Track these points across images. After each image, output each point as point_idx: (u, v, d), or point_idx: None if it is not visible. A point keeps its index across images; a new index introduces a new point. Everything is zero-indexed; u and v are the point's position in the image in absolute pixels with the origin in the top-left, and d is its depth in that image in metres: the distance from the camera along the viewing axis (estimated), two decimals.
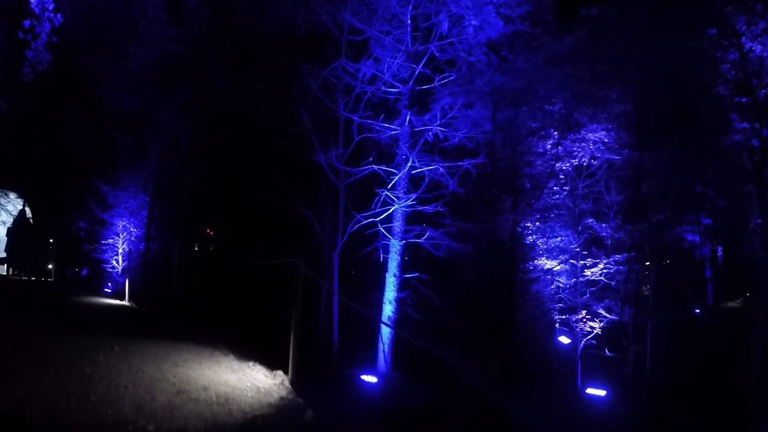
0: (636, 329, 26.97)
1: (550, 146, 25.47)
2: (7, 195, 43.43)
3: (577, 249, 25.99)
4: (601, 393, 21.59)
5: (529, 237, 27.08)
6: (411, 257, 18.68)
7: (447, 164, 17.25)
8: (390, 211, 17.34)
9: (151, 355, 12.94)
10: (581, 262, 26.02)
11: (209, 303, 27.25)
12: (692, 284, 42.42)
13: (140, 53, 23.15)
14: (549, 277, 27.48)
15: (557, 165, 25.45)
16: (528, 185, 26.56)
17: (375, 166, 17.68)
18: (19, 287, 28.85)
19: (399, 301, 17.37)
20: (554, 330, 28.08)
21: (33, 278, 34.02)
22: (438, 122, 17.36)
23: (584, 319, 25.03)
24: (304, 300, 13.45)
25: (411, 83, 17.90)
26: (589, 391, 21.80)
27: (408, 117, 17.10)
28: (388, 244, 17.50)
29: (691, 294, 41.52)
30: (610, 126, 25.07)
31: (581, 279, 25.95)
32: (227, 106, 26.33)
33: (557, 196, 26.43)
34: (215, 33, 23.22)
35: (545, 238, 27.47)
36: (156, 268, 29.84)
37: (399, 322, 17.22)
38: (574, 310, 25.67)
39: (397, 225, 17.23)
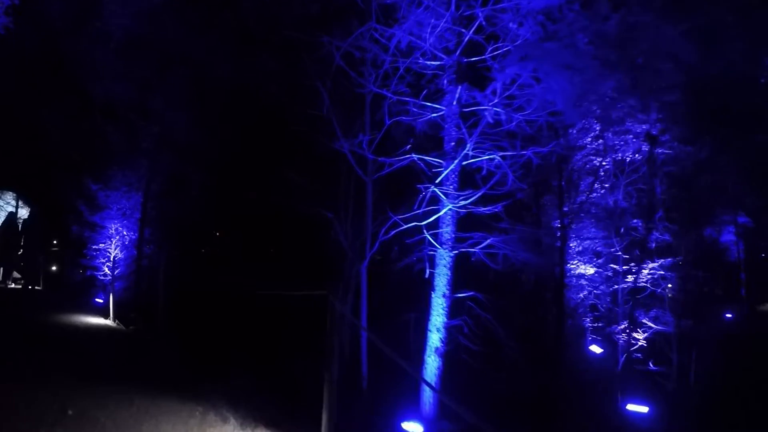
0: (679, 339, 22.71)
1: (590, 139, 21.68)
2: (4, 194, 40.92)
3: (619, 252, 22.11)
4: (643, 409, 18.70)
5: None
6: (458, 271, 13.54)
7: (510, 153, 12.36)
8: (442, 213, 12.47)
9: (115, 427, 8.00)
10: (624, 266, 22.02)
11: (208, 321, 21.69)
12: (726, 287, 38.03)
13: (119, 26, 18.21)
14: (582, 282, 23.84)
15: (598, 160, 21.99)
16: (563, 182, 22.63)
17: (415, 156, 12.77)
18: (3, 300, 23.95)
19: (449, 329, 12.43)
20: (585, 338, 24.36)
21: (17, 286, 28.91)
22: (497, 99, 12.27)
23: (626, 330, 21.42)
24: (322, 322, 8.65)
25: (457, 53, 13.33)
26: (630, 407, 18.86)
27: (458, 94, 12.25)
28: (433, 255, 12.55)
29: (725, 297, 37.02)
30: (657, 117, 20.84)
31: (623, 285, 22.08)
32: (230, 93, 21.87)
33: (596, 194, 22.68)
34: (213, 7, 18.54)
35: (578, 240, 23.73)
36: (150, 275, 24.98)
37: (450, 355, 12.36)
38: (611, 319, 22.49)
39: (447, 231, 12.66)
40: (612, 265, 22.22)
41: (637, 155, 21.65)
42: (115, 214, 25.23)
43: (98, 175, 25.41)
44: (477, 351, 13.40)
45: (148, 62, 23.29)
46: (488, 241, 12.94)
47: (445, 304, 12.83)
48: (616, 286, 22.27)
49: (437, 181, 12.80)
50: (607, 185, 22.25)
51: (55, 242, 34.79)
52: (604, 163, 21.98)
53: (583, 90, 13.08)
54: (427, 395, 12.82)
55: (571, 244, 23.33)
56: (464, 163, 13.02)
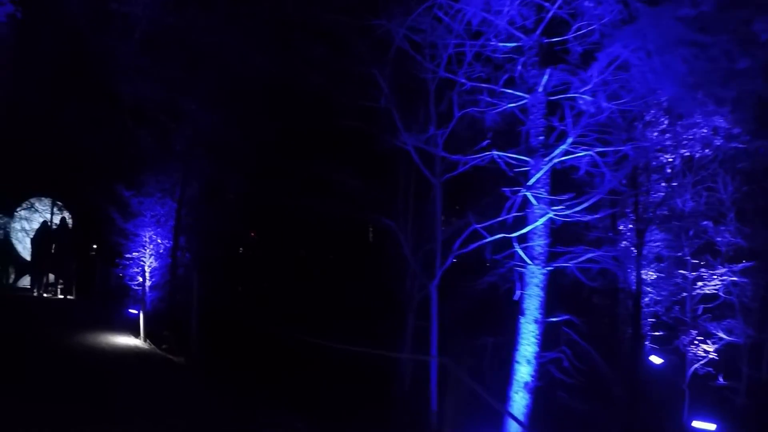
0: (750, 350, 20.36)
1: (656, 134, 18.67)
2: (41, 200, 39.19)
3: (687, 257, 19.68)
4: (711, 427, 16.76)
5: None
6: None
7: (610, 149, 9.88)
8: (541, 221, 9.91)
9: None
10: (693, 272, 19.59)
11: (246, 358, 18.77)
12: None
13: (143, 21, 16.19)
14: (646, 288, 20.71)
15: (665, 157, 19.44)
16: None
17: (496, 153, 10.22)
18: (17, 311, 21.38)
19: (541, 360, 9.92)
20: (643, 348, 21.23)
21: (49, 295, 26.61)
22: (591, 85, 9.74)
23: (695, 342, 18.93)
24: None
25: (538, 32, 10.91)
26: (696, 424, 16.97)
27: (545, 79, 9.72)
28: (522, 273, 10.00)
29: None
30: (730, 108, 18.22)
31: (692, 293, 19.65)
32: (268, 88, 19.54)
33: (661, 193, 20.13)
34: None
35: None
36: (185, 285, 22.63)
37: (543, 392, 9.85)
38: (674, 327, 20.17)
39: (539, 243, 10.14)
40: (681, 271, 19.78)
41: (706, 150, 18.97)
42: (148, 221, 23.24)
43: (131, 181, 23.39)
44: (574, 384, 10.85)
45: (177, 59, 21.25)
46: (589, 254, 10.36)
47: (537, 331, 10.31)
48: (684, 294, 19.82)
49: (530, 183, 10.23)
50: (674, 184, 19.86)
51: (88, 251, 32.66)
52: (670, 160, 19.50)
53: (706, 70, 10.36)
54: None
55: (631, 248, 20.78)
56: (556, 161, 10.43)
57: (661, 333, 21.01)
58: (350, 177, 16.10)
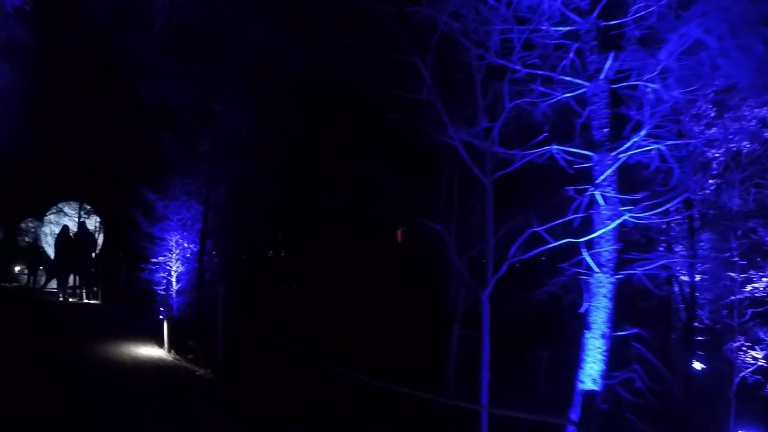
0: None
1: (702, 128, 17.00)
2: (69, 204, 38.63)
3: (735, 258, 17.87)
4: None
5: None
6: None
7: (682, 142, 8.56)
8: (614, 224, 8.57)
9: None
10: (741, 275, 17.75)
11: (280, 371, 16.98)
12: None
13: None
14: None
15: (711, 152, 17.42)
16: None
17: (557, 147, 8.94)
18: (40, 316, 20.26)
19: (607, 380, 8.59)
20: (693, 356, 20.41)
21: (75, 300, 25.58)
22: (656, 71, 8.46)
23: (743, 348, 17.55)
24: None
25: (595, 14, 9.68)
26: None
27: (607, 64, 8.45)
28: (587, 282, 8.67)
29: None
30: None
31: (739, 296, 17.81)
32: (298, 84, 18.18)
33: (708, 190, 18.25)
34: None
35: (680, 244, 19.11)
36: (212, 290, 21.48)
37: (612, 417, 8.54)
38: (716, 332, 18.64)
39: (607, 249, 8.59)
40: (729, 273, 17.89)
41: (755, 144, 17.39)
42: (175, 225, 22.15)
43: (156, 184, 22.30)
44: (644, 405, 9.47)
45: (202, 57, 20.29)
46: (663, 261, 9.02)
47: (604, 347, 8.97)
48: (732, 297, 17.99)
49: (598, 180, 8.88)
50: (719, 181, 18.08)
51: (114, 255, 31.76)
52: (717, 155, 17.67)
53: None
54: None
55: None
56: (623, 156, 9.06)
57: (704, 338, 19.48)
58: (388, 175, 14.58)
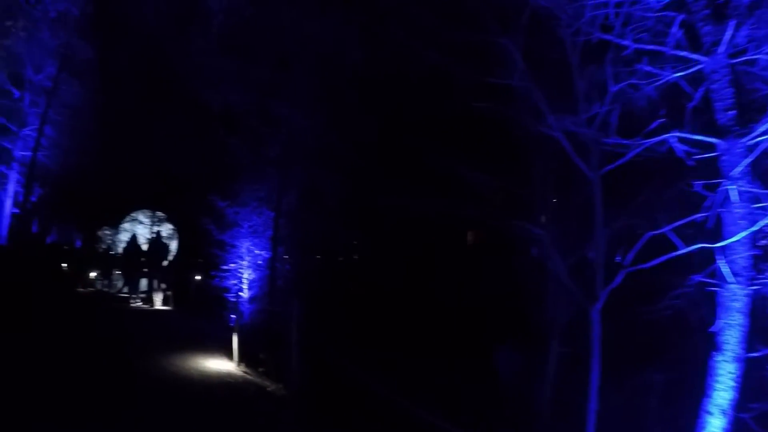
0: None
1: None
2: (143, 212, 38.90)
3: None
4: None
5: None
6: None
7: None
8: (757, 226, 7.00)
9: None
10: None
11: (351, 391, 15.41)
12: None
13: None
14: None
15: None
16: None
17: (676, 135, 7.42)
18: (110, 322, 19.64)
19: (740, 412, 7.07)
20: None
21: (147, 306, 25.05)
22: None
23: None
24: None
25: None
26: None
27: (728, 35, 6.86)
28: (720, 295, 7.13)
29: None
30: None
31: None
32: (367, 79, 16.97)
33: None
34: None
35: None
36: (285, 298, 20.51)
37: None
38: None
39: (742, 255, 6.93)
40: None
41: None
42: (245, 232, 21.31)
43: (225, 190, 21.41)
44: None
45: (264, 58, 19.41)
46: None
47: (736, 372, 7.38)
48: None
49: (734, 173, 7.33)
50: None
51: (186, 262, 31.30)
52: None
53: None
54: None
55: None
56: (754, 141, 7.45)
57: None
58: (474, 173, 12.80)
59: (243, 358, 15.06)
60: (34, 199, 29.09)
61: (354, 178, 21.05)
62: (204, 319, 21.80)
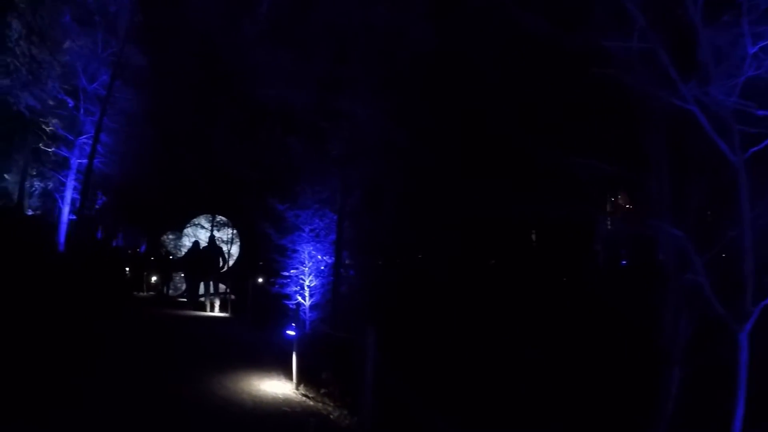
0: None
1: None
2: (207, 218, 37.99)
3: None
4: None
5: None
6: None
7: None
8: None
9: None
10: None
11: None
12: None
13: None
14: None
15: None
16: None
17: None
18: (162, 330, 17.89)
19: None
20: None
21: (207, 313, 23.37)
22: None
23: None
24: None
25: None
26: None
27: None
28: None
29: None
30: None
31: None
32: (435, 65, 14.85)
33: None
34: None
35: None
36: (353, 306, 18.53)
37: None
38: None
39: None
40: None
41: None
42: (307, 236, 19.46)
43: (284, 193, 19.65)
44: None
45: (323, 50, 17.51)
46: None
47: None
48: None
49: None
50: None
51: (246, 267, 29.88)
52: None
53: None
54: None
55: None
56: None
57: None
58: (572, 161, 10.33)
59: (302, 378, 12.95)
60: (98, 205, 29.10)
61: (422, 177, 18.95)
62: (262, 328, 19.88)
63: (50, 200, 25.62)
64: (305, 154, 18.58)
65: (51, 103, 23.03)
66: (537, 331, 16.30)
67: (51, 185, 24.93)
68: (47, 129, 23.52)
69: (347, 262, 19.78)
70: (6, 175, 29.56)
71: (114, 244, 42.84)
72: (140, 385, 10.43)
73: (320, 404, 11.55)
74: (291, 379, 12.82)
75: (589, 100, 10.68)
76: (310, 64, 17.04)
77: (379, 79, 17.20)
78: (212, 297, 25.28)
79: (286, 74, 17.46)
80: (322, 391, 12.57)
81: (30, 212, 26.49)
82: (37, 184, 25.85)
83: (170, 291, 32.94)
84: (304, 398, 11.83)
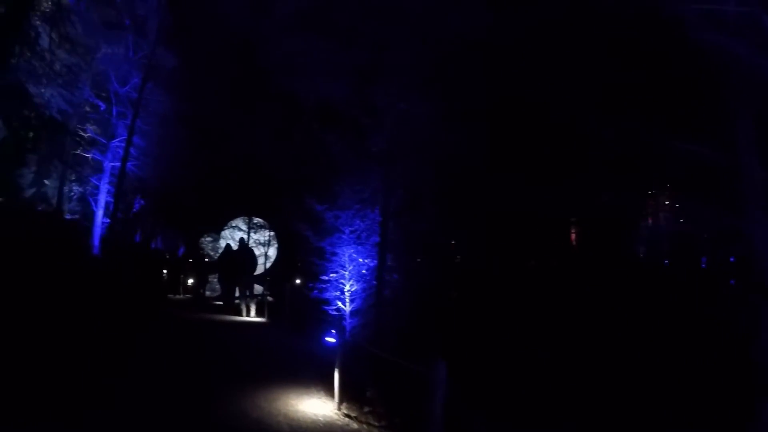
0: None
1: None
2: (244, 220, 36.87)
3: None
4: None
5: None
6: None
7: None
8: None
9: None
10: None
11: None
12: None
13: None
14: None
15: None
16: None
17: None
18: (194, 336, 16.33)
19: None
20: None
21: (238, 317, 21.84)
22: None
23: None
24: None
25: None
26: None
27: None
28: None
29: None
30: None
31: None
32: (490, 48, 13.18)
33: None
34: None
35: None
36: (397, 311, 16.92)
37: None
38: None
39: None
40: None
41: None
42: (347, 238, 17.97)
43: (323, 193, 18.13)
44: None
45: (362, 39, 15.77)
46: None
47: None
48: None
49: None
50: None
51: (283, 269, 28.52)
52: None
53: None
54: None
55: None
56: None
57: None
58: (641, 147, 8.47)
59: (345, 395, 11.28)
60: (136, 209, 28.72)
61: (469, 172, 17.25)
62: (300, 335, 18.19)
63: (87, 204, 24.83)
64: (345, 151, 16.97)
65: (83, 107, 22.36)
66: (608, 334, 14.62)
67: (89, 189, 24.12)
68: (84, 135, 22.74)
69: (390, 264, 18.06)
70: (46, 181, 29.25)
71: (153, 246, 42.23)
72: (164, 404, 8.94)
73: (365, 425, 9.91)
74: (332, 396, 11.18)
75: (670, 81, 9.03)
76: (349, 55, 15.43)
77: (424, 70, 15.57)
78: (248, 300, 23.77)
79: (323, 66, 16.00)
80: (366, 410, 10.92)
81: (68, 216, 25.86)
82: (75, 188, 25.11)
83: (207, 293, 31.87)
84: (347, 419, 10.21)
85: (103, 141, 22.86)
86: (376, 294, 17.57)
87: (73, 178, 24.98)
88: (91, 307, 14.55)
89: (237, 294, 25.10)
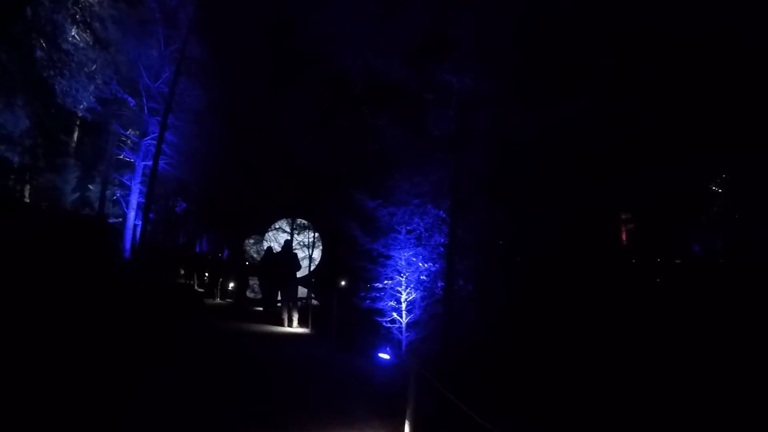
0: None
1: None
2: (288, 222, 34.03)
3: None
4: None
5: None
6: None
7: None
8: None
9: None
10: None
11: None
12: None
13: None
14: None
15: None
16: None
17: None
18: (227, 352, 12.55)
19: None
20: None
21: (279, 327, 18.44)
22: None
23: None
24: None
25: None
26: None
27: None
28: None
29: None
30: None
31: None
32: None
33: None
34: None
35: None
36: (468, 325, 13.42)
37: None
38: None
39: None
40: None
41: None
42: (404, 239, 14.58)
43: (374, 188, 14.76)
44: None
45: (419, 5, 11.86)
46: None
47: None
48: None
49: None
50: None
51: (329, 275, 25.32)
52: None
53: None
54: None
55: None
56: None
57: None
58: None
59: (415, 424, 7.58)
60: (179, 210, 26.78)
61: (546, 162, 13.60)
62: (349, 351, 14.45)
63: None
64: (400, 137, 13.51)
65: (113, 104, 19.96)
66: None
67: (118, 190, 21.59)
68: (126, 140, 20.75)
69: (457, 268, 14.45)
70: (90, 186, 27.33)
71: (197, 249, 39.89)
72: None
73: None
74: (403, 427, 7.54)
75: None
76: (407, 20, 11.95)
77: (496, 40, 12.02)
78: (290, 307, 20.34)
79: (375, 36, 12.49)
80: None
81: (112, 220, 23.62)
82: (119, 192, 22.74)
83: (249, 296, 29.17)
84: None
85: (135, 139, 20.24)
86: (443, 303, 14.07)
87: (117, 182, 22.66)
88: (106, 320, 11.37)
89: (279, 298, 22.13)
